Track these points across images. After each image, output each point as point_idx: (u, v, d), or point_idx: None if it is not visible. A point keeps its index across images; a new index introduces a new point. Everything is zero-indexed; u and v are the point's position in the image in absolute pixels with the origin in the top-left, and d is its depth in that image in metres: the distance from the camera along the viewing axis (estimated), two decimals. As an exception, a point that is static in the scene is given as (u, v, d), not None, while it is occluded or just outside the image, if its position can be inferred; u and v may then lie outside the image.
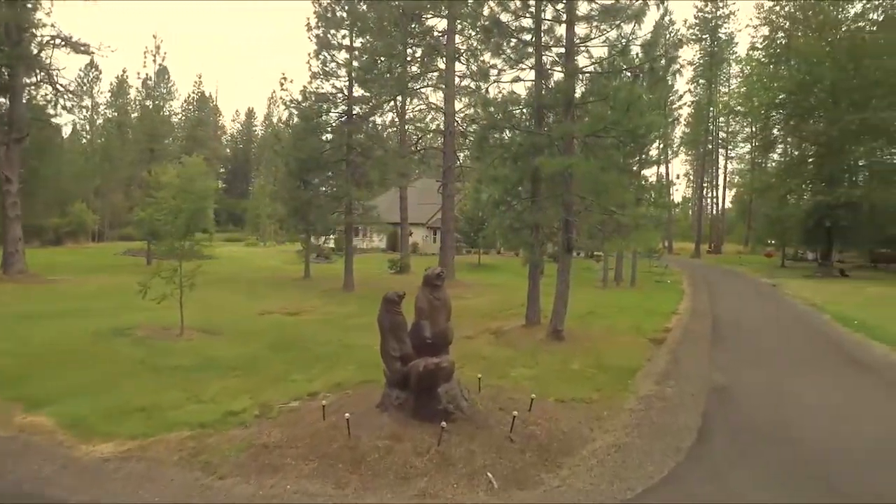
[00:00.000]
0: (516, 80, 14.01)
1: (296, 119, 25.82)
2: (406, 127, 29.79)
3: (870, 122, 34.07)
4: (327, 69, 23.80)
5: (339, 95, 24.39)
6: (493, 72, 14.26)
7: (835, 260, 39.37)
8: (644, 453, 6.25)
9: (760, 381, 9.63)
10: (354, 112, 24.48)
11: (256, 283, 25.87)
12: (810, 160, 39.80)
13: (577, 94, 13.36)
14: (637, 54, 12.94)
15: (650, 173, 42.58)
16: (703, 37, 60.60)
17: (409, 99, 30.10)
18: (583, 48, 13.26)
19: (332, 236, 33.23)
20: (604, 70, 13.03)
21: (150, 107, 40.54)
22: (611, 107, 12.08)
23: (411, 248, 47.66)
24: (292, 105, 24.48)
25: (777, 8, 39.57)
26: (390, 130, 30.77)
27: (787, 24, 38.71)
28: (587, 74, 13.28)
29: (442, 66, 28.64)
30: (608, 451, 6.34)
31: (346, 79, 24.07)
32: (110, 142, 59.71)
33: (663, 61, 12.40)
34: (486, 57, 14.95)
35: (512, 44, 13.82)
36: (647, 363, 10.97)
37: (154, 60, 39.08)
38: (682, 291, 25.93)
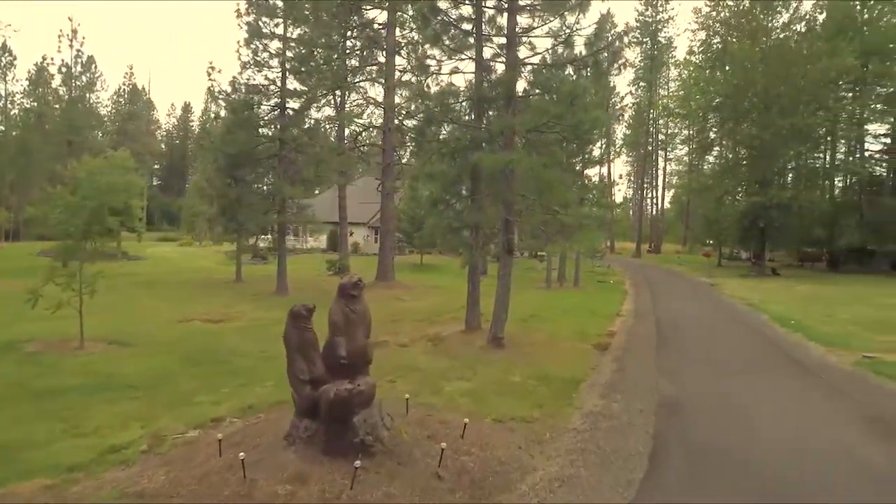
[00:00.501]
0: (455, 71, 13.11)
1: (224, 112, 24.25)
2: (344, 122, 28.46)
3: (798, 127, 35.43)
4: (259, 59, 22.37)
5: (272, 87, 23.01)
6: (433, 63, 13.35)
7: (767, 259, 40.69)
8: (591, 488, 5.49)
9: (709, 391, 9.16)
10: (289, 105, 23.15)
11: (183, 287, 24.11)
12: (744, 162, 40.98)
13: (520, 89, 12.69)
14: (581, 52, 12.39)
15: (593, 173, 42.96)
16: (644, 40, 61.85)
17: (347, 93, 28.82)
18: (525, 39, 12.61)
19: (268, 236, 31.64)
20: (546, 63, 12.38)
21: (68, 95, 37.46)
22: (554, 101, 11.45)
23: (352, 249, 46.36)
24: (220, 96, 22.89)
25: (714, 13, 40.52)
26: (328, 126, 29.36)
27: (723, 29, 39.69)
28: (530, 67, 12.59)
29: (382, 59, 27.54)
30: (550, 485, 5.54)
31: (279, 70, 22.72)
32: (27, 133, 55.25)
33: (606, 55, 11.79)
34: (426, 48, 13.95)
35: (451, 33, 13.02)
36: (592, 372, 10.37)
37: (71, 45, 35.92)
38: (624, 292, 25.90)
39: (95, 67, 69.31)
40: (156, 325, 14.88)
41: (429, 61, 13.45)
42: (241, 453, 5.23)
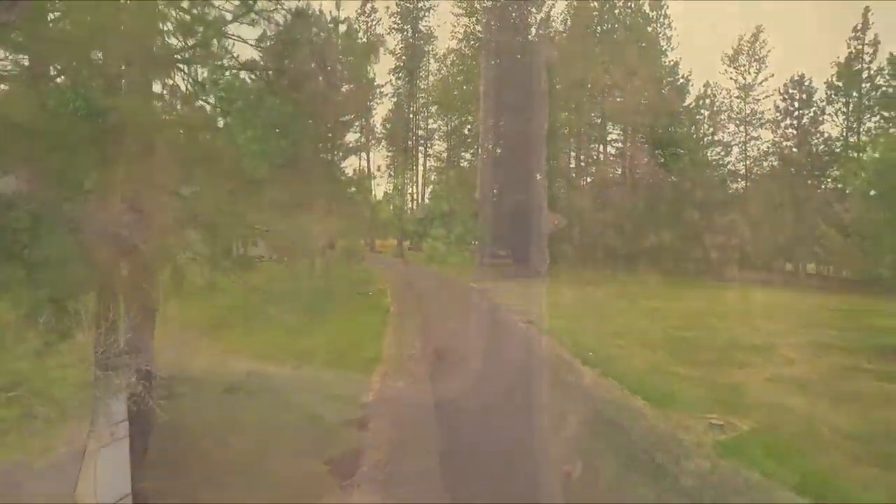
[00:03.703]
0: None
1: None
2: None
3: (557, 124, 34.99)
4: None
5: None
6: None
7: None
8: None
9: None
10: None
11: None
12: (507, 159, 39.75)
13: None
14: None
15: (348, 164, 37.72)
16: (405, 27, 58.61)
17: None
18: None
19: None
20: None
21: None
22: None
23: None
24: None
25: (476, 4, 38.45)
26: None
27: (487, 18, 37.78)
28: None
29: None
30: None
31: None
32: None
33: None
34: None
35: None
36: None
37: None
38: (386, 310, 20.93)
39: None
40: None
41: None
42: None
